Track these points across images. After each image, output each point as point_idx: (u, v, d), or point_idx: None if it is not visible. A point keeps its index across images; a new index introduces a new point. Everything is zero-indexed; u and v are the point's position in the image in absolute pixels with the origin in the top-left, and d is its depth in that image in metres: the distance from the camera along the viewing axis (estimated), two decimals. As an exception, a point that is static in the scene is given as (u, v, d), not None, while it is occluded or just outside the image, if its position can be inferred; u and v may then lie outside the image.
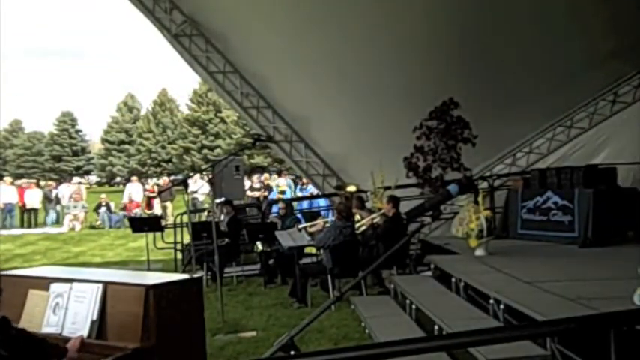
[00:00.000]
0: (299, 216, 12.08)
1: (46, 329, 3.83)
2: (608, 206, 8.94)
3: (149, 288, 3.68)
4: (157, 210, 21.19)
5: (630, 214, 9.05)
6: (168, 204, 21.43)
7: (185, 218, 11.09)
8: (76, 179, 43.09)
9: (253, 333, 7.29)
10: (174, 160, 48.76)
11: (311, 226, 10.28)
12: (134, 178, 26.02)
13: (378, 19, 9.64)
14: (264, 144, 13.57)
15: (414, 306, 7.12)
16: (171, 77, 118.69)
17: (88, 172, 55.59)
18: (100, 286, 3.79)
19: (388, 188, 10.40)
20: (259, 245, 11.47)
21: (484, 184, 11.07)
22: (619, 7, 9.33)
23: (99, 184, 53.93)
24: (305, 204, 15.24)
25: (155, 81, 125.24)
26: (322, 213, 13.25)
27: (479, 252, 8.29)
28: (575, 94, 11.12)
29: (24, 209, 22.52)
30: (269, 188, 21.15)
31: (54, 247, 16.57)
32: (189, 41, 11.06)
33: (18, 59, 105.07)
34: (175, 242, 11.82)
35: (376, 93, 10.46)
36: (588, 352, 4.55)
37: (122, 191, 26.18)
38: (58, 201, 23.21)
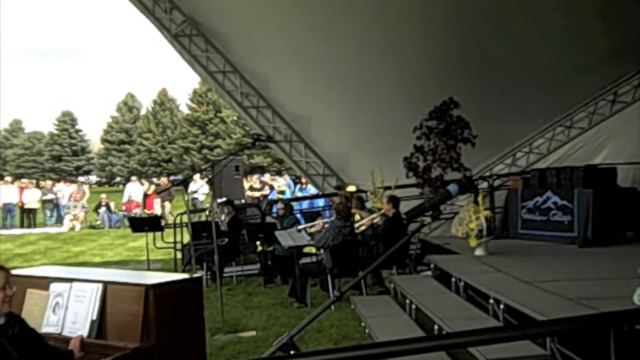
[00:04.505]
0: (299, 216, 12.09)
1: (46, 329, 3.83)
2: (608, 206, 8.95)
3: (149, 288, 3.67)
4: (157, 210, 21.19)
5: (630, 214, 9.06)
6: (167, 204, 21.43)
7: (185, 218, 11.09)
8: (78, 179, 43.08)
9: (253, 333, 7.29)
10: (174, 160, 48.75)
11: (311, 227, 10.29)
12: (134, 178, 26.02)
13: (378, 19, 9.65)
14: (264, 144, 13.57)
15: (413, 306, 7.13)
16: (171, 77, 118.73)
17: (87, 172, 55.56)
18: (100, 285, 3.79)
19: (388, 188, 10.40)
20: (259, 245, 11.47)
21: (484, 184, 11.08)
22: (618, 6, 9.33)
23: (99, 183, 53.90)
24: (305, 204, 15.24)
25: (155, 81, 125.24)
26: (324, 213, 13.24)
27: (479, 252, 8.29)
28: (575, 93, 11.12)
29: (22, 209, 22.51)
30: (271, 187, 21.18)
31: (54, 246, 16.57)
32: (189, 41, 11.05)
33: (18, 59, 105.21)
34: (175, 242, 11.82)
35: (376, 93, 10.46)
36: (588, 352, 4.55)
37: (122, 191, 26.21)
38: (57, 201, 23.20)
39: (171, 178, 40.38)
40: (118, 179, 53.38)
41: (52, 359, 3.36)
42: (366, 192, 11.02)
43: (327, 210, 13.38)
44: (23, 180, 29.45)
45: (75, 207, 21.77)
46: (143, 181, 26.12)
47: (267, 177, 23.80)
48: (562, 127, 11.63)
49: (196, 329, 4.02)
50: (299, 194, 19.52)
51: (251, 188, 20.58)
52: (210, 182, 8.93)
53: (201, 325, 4.06)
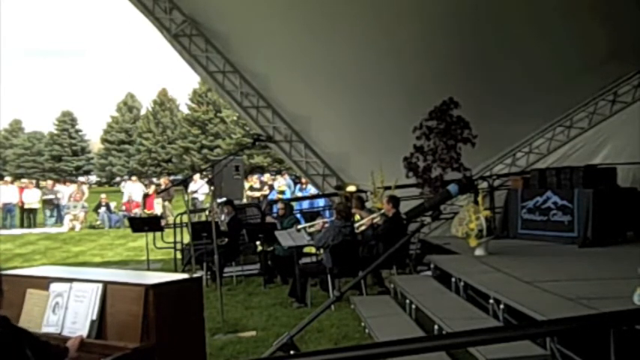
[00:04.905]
0: (299, 216, 12.09)
1: (46, 329, 3.82)
2: (608, 206, 8.95)
3: (149, 288, 3.67)
4: (157, 210, 21.18)
5: (630, 214, 9.06)
6: (166, 203, 21.44)
7: (185, 218, 11.09)
8: (78, 179, 43.08)
9: (253, 333, 7.29)
10: (174, 159, 48.75)
11: (310, 226, 10.29)
12: (134, 178, 26.07)
13: (378, 18, 9.64)
14: (264, 144, 13.57)
15: (413, 306, 7.13)
16: (171, 77, 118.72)
17: (87, 172, 55.56)
18: (100, 285, 3.78)
19: (388, 188, 10.40)
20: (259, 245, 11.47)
21: (484, 184, 11.08)
22: (618, 6, 9.33)
23: (99, 183, 53.89)
24: (305, 204, 15.24)
25: (155, 81, 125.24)
26: (324, 213, 13.24)
27: (479, 252, 8.30)
28: (575, 94, 11.12)
29: (22, 209, 22.51)
30: (270, 187, 21.19)
31: (54, 246, 16.57)
32: (189, 41, 11.05)
33: (18, 59, 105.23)
34: (175, 242, 11.82)
35: (376, 93, 10.46)
36: (588, 352, 4.55)
37: (119, 191, 26.21)
38: (57, 201, 23.19)
39: (171, 178, 40.36)
40: (118, 179, 53.36)
41: (44, 353, 3.36)
42: (366, 192, 11.02)
43: (327, 210, 13.39)
44: (23, 180, 29.43)
45: (75, 207, 21.77)
46: (136, 180, 26.12)
47: (267, 177, 23.80)
48: (562, 127, 11.63)
49: (196, 329, 4.01)
50: (299, 194, 19.52)
51: (251, 188, 20.59)
52: (210, 182, 8.93)
53: (201, 325, 4.06)
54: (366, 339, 6.72)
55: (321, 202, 14.91)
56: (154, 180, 37.83)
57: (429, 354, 1.83)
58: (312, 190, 15.94)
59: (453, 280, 7.35)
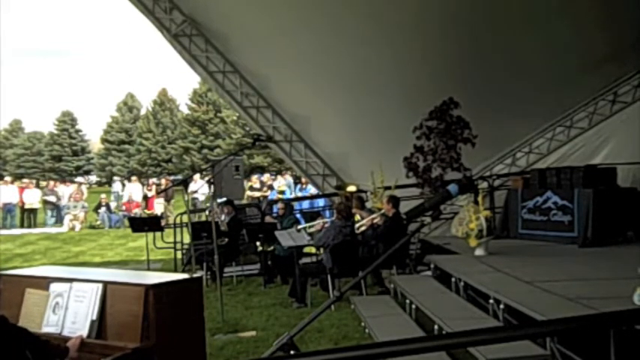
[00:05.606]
0: (298, 216, 12.09)
1: (46, 329, 3.82)
2: (608, 206, 8.95)
3: (149, 288, 3.67)
4: (158, 210, 21.18)
5: (630, 214, 9.06)
6: (166, 203, 21.43)
7: (185, 218, 11.09)
8: (77, 179, 43.08)
9: (253, 333, 7.29)
10: (174, 159, 48.72)
11: (310, 226, 10.29)
12: (134, 178, 26.08)
13: (378, 19, 9.65)
14: (264, 144, 13.58)
15: (413, 306, 7.13)
16: (171, 77, 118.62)
17: (87, 172, 55.53)
18: (100, 285, 3.78)
19: (388, 188, 10.40)
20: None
21: (484, 184, 11.08)
22: (618, 6, 9.34)
23: (99, 183, 53.87)
24: (305, 204, 15.25)
25: (155, 81, 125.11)
26: (324, 213, 13.24)
27: (479, 252, 8.30)
28: (575, 94, 11.12)
29: (23, 209, 22.51)
30: (270, 187, 21.19)
31: (54, 246, 16.57)
32: (189, 41, 11.06)
33: (18, 59, 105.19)
34: (175, 242, 11.82)
35: (376, 93, 10.47)
36: (588, 352, 4.55)
37: (109, 191, 26.24)
38: (57, 201, 23.19)
39: (172, 178, 40.35)
40: (117, 179, 53.30)
41: (44, 352, 3.36)
42: (366, 192, 11.02)
43: (327, 210, 13.39)
44: (23, 180, 29.43)
45: (75, 207, 21.78)
46: (136, 180, 26.15)
47: (266, 177, 23.81)
48: (562, 127, 11.63)
49: (196, 329, 4.01)
50: (299, 194, 19.52)
51: (251, 188, 20.59)
52: (210, 182, 8.95)
53: (201, 325, 4.06)
54: (366, 339, 6.72)
55: (321, 202, 14.91)
56: (154, 180, 37.78)
57: (429, 354, 1.83)
58: (312, 190, 15.93)
59: (453, 280, 7.35)
